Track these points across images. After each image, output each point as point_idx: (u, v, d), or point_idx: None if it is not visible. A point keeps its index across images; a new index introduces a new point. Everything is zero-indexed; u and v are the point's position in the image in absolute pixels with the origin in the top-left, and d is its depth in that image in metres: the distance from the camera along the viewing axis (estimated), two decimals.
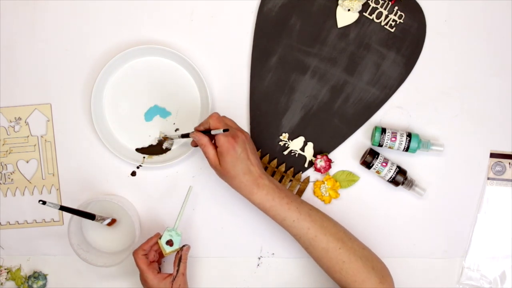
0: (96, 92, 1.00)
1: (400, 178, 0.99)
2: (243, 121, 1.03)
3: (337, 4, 1.00)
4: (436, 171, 1.02)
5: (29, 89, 1.03)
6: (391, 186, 1.01)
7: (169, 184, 1.03)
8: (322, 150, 1.02)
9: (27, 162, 1.04)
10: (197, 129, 0.91)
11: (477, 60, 1.02)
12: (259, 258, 1.03)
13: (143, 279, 0.93)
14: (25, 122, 1.03)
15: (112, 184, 1.03)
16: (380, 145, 0.99)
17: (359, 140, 1.02)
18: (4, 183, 1.04)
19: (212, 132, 0.87)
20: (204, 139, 0.89)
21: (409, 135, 0.98)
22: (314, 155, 1.02)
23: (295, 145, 1.02)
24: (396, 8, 1.00)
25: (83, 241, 1.00)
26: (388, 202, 1.02)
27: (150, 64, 1.02)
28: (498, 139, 1.02)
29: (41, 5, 1.03)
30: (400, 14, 1.00)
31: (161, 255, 0.97)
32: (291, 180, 1.02)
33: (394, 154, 1.01)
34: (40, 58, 1.03)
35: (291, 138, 1.02)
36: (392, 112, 1.02)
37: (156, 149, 1.03)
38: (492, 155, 1.02)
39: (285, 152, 1.02)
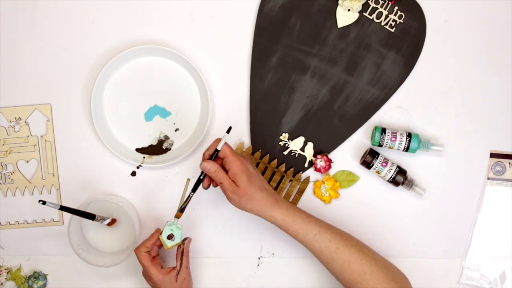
0: (96, 92, 1.00)
1: (400, 178, 0.99)
2: (243, 121, 1.03)
3: (337, 4, 1.00)
4: (436, 171, 1.02)
5: (29, 89, 1.03)
6: (391, 186, 1.01)
7: (169, 184, 1.03)
8: (322, 150, 1.02)
9: (27, 162, 1.04)
10: (205, 156, 0.89)
11: (477, 60, 1.02)
12: (259, 258, 1.03)
13: (147, 275, 0.93)
14: (25, 122, 1.03)
15: (112, 184, 1.03)
16: (380, 145, 0.99)
17: (359, 140, 1.02)
18: (4, 183, 1.04)
19: (218, 147, 0.87)
20: (215, 166, 0.87)
21: (409, 135, 0.98)
22: (314, 155, 1.02)
23: (295, 145, 1.02)
24: (396, 8, 1.00)
25: (83, 241, 1.00)
26: (388, 202, 1.02)
27: (150, 64, 1.02)
28: (498, 139, 1.02)
29: (41, 5, 1.03)
30: (400, 14, 1.00)
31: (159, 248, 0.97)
32: (291, 180, 1.02)
33: (394, 154, 1.01)
34: (40, 58, 1.03)
35: (291, 138, 1.02)
36: (392, 112, 1.02)
37: (156, 149, 1.03)
38: (492, 155, 1.02)
39: (285, 152, 1.02)
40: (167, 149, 1.03)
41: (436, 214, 1.02)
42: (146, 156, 1.02)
